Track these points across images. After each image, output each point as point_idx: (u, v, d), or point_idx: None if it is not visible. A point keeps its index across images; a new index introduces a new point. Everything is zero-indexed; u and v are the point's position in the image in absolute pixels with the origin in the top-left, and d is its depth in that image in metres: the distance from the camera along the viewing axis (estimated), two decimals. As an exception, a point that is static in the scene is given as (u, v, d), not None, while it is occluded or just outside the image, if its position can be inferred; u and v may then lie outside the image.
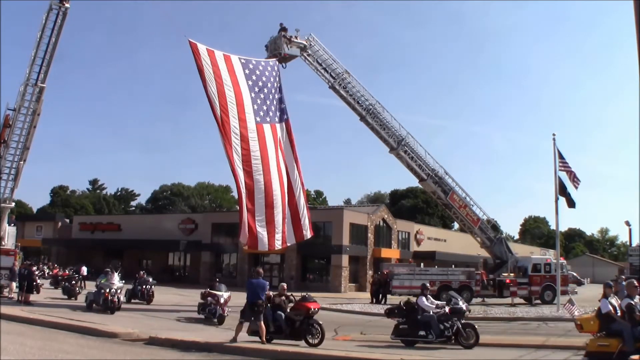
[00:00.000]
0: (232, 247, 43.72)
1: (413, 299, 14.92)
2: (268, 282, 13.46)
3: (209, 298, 17.92)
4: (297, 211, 18.91)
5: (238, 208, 18.62)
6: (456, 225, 56.33)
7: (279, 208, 18.01)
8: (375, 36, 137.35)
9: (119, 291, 19.39)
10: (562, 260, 31.50)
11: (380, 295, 29.54)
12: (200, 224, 48.16)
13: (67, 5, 24.00)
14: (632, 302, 9.54)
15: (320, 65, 28.77)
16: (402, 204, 79.52)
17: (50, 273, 34.46)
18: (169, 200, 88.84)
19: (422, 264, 34.88)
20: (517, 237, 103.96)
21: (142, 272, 25.40)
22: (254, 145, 17.34)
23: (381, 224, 47.63)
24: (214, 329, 15.95)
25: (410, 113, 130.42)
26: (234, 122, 16.82)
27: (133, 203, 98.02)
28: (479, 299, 29.93)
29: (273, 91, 18.99)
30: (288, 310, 12.93)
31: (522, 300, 30.07)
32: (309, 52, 28.24)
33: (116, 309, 18.70)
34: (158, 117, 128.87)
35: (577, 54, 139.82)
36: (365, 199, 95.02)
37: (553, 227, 56.19)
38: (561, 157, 24.34)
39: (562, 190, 24.36)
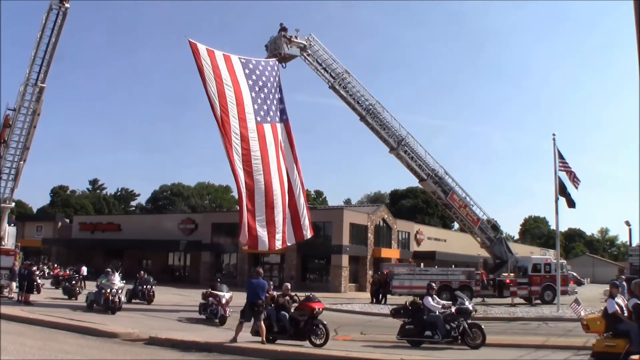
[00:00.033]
0: (232, 247, 43.66)
1: (418, 300, 14.87)
2: (267, 283, 13.40)
3: (211, 298, 17.84)
4: (297, 211, 18.94)
5: (238, 208, 18.64)
6: (456, 225, 56.35)
7: (279, 208, 18.02)
8: (375, 36, 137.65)
9: (119, 291, 19.35)
10: (562, 261, 31.49)
11: (380, 295, 29.54)
12: (200, 224, 48.16)
13: (67, 5, 23.99)
14: (639, 302, 9.38)
15: (320, 65, 28.74)
16: (402, 204, 79.55)
17: (51, 273, 34.51)
18: (169, 200, 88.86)
19: (422, 264, 34.85)
20: (517, 237, 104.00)
21: (142, 272, 25.39)
22: (254, 145, 17.36)
23: (381, 224, 47.64)
24: (214, 330, 15.93)
25: (410, 113, 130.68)
26: (234, 122, 16.84)
27: (133, 203, 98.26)
28: (479, 299, 29.87)
29: (273, 91, 19.02)
30: (292, 310, 12.86)
31: (522, 300, 30.06)
32: (309, 52, 28.22)
33: (117, 309, 18.68)
34: (158, 117, 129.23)
35: (577, 54, 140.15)
36: (365, 199, 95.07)
37: (553, 227, 56.27)
38: (561, 157, 24.35)
39: (562, 190, 24.36)
